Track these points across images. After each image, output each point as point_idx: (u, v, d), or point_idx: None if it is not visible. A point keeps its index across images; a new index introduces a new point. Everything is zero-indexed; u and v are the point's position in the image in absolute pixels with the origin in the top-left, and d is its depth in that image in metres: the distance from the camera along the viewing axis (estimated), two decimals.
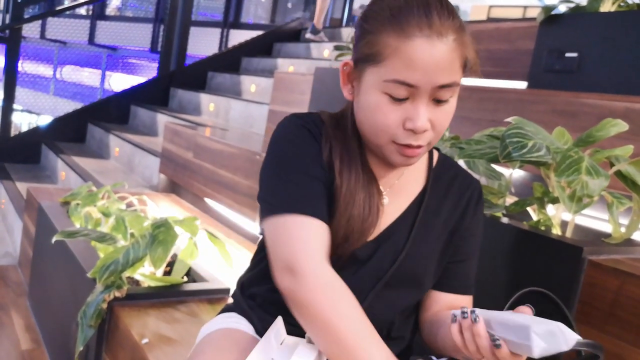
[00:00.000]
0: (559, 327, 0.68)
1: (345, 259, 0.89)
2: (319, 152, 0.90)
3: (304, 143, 0.90)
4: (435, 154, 1.01)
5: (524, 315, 0.72)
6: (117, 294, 1.63)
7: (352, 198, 0.88)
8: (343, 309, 0.80)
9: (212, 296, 1.78)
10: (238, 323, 1.01)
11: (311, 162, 0.89)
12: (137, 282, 1.85)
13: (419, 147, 0.84)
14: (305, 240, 0.83)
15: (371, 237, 0.91)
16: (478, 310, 0.73)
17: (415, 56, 0.79)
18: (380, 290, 0.92)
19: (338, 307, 0.79)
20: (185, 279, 1.87)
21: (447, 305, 0.98)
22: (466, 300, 0.99)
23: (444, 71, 0.80)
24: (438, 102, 0.83)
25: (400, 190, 0.96)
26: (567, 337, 0.67)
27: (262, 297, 1.00)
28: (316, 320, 0.80)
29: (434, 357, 0.94)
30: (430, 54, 0.78)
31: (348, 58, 0.90)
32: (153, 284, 1.79)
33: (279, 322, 0.88)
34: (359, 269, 0.91)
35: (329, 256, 0.84)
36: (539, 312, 1.08)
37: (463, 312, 0.74)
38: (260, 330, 0.97)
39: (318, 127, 0.93)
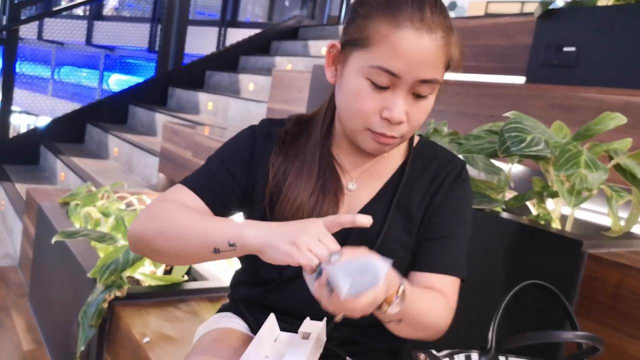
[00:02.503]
0: (369, 263, 0.68)
1: None
2: (248, 153, 0.96)
3: (237, 145, 0.98)
4: (416, 139, 1.00)
5: (360, 259, 0.70)
6: (118, 294, 1.63)
7: (301, 187, 0.90)
8: (170, 217, 0.85)
9: (213, 294, 1.78)
10: (234, 322, 1.01)
11: (232, 158, 0.96)
12: (137, 282, 1.85)
13: (392, 137, 0.86)
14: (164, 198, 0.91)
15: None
16: (328, 266, 0.71)
17: (403, 46, 0.80)
18: None
19: (159, 219, 0.85)
20: (186, 277, 1.87)
21: (424, 286, 0.91)
22: (446, 281, 0.91)
23: (428, 66, 0.81)
24: (417, 97, 0.84)
25: (373, 176, 0.96)
26: (376, 272, 0.68)
27: (254, 301, 1.01)
28: (153, 241, 0.86)
29: (434, 351, 0.93)
30: (418, 46, 0.80)
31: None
32: (154, 283, 1.80)
33: (272, 318, 0.87)
34: None
35: None
36: (540, 307, 1.08)
37: (319, 268, 0.72)
38: (255, 328, 0.97)
39: (271, 133, 0.97)
